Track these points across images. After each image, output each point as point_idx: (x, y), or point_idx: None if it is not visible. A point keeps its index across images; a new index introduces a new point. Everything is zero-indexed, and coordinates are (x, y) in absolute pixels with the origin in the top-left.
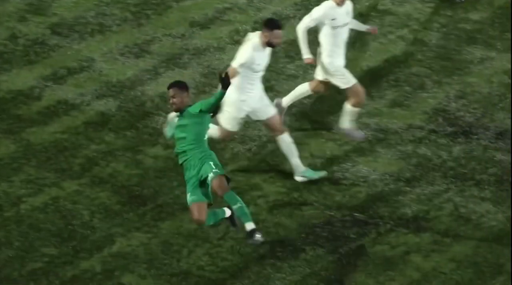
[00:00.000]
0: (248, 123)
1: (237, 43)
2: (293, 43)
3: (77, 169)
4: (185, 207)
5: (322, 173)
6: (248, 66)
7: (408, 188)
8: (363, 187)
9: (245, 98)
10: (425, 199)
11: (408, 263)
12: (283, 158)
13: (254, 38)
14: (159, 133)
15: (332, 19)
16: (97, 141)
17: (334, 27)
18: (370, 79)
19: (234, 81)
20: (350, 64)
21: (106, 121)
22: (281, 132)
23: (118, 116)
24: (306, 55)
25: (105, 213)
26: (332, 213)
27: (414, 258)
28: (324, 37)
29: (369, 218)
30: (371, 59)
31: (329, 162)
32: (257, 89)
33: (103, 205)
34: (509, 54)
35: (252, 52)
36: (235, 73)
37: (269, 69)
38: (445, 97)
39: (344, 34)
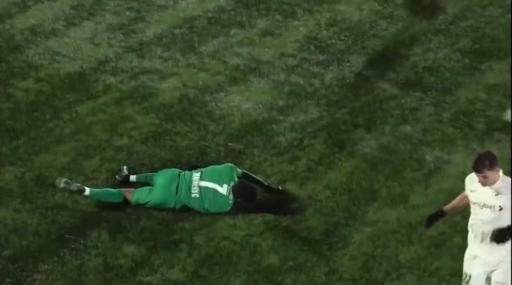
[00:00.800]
0: (119, 54)
1: None
2: None
3: None
4: (59, 141)
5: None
6: None
7: (281, 117)
8: (237, 117)
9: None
10: (299, 127)
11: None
12: (155, 89)
13: None
14: (30, 66)
15: None
16: None
17: None
18: (242, 6)
19: None
20: None
21: None
22: None
23: None
24: None
25: None
26: (206, 144)
27: (289, 186)
28: None
29: (244, 147)
30: None
31: (202, 92)
32: None
33: None
34: None
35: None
36: None
37: (139, 0)
38: (316, 25)
39: None
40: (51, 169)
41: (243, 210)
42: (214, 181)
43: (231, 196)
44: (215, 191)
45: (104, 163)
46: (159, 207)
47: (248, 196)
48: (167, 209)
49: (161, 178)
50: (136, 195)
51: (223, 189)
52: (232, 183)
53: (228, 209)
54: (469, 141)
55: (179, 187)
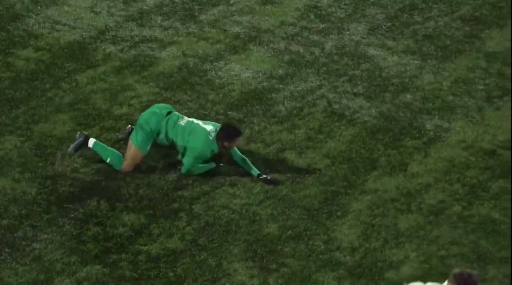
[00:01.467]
0: (119, 23)
1: None
2: None
3: None
4: (58, 110)
5: None
6: None
7: (281, 86)
8: (236, 85)
9: None
10: (299, 96)
11: (283, 160)
12: (155, 58)
13: None
14: (30, 35)
15: None
16: None
17: None
18: None
19: None
20: None
21: None
22: None
23: None
24: None
25: None
26: (206, 112)
27: (288, 155)
28: None
29: (244, 116)
30: None
31: (202, 60)
32: None
33: None
34: None
35: None
36: None
37: None
38: None
39: None
40: (51, 138)
41: (226, 163)
42: (201, 120)
43: (213, 134)
44: (199, 125)
45: (104, 132)
46: (149, 137)
47: (233, 132)
48: (156, 145)
49: (155, 107)
50: (133, 136)
51: (207, 126)
52: (217, 129)
53: (208, 148)
54: (469, 109)
55: (170, 114)
